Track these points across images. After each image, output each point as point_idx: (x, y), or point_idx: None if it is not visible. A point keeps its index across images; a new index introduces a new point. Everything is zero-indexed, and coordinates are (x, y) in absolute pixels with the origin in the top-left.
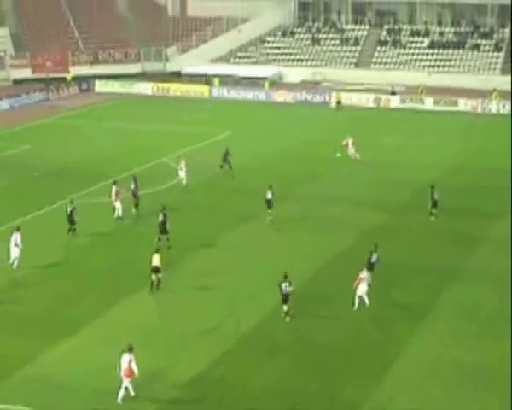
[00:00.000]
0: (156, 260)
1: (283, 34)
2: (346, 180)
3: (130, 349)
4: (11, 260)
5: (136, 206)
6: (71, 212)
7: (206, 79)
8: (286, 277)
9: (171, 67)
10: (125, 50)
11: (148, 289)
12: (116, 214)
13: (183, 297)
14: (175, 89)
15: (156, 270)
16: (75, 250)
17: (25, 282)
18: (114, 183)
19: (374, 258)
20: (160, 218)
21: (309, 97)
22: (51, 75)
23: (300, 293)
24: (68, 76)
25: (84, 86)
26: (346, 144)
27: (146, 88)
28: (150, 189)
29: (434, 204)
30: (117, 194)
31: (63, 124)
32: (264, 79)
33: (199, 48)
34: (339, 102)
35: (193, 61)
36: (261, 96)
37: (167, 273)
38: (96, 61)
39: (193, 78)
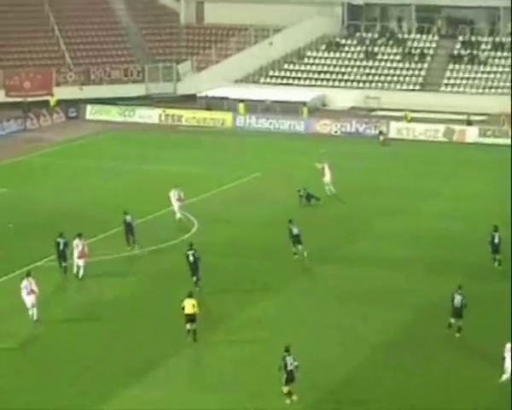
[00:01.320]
0: (189, 306)
1: (328, 47)
2: (395, 236)
3: None
4: (30, 312)
5: (134, 242)
6: (57, 244)
7: (228, 105)
8: (288, 350)
9: (184, 89)
10: (125, 68)
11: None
12: (81, 273)
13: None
14: (188, 117)
15: (191, 319)
16: (72, 310)
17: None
18: (79, 236)
19: (457, 301)
20: (191, 258)
21: (361, 129)
22: (30, 99)
23: (346, 380)
24: (52, 100)
25: (73, 113)
26: (322, 168)
27: (151, 116)
28: (154, 245)
29: (496, 249)
30: (83, 250)
31: (45, 162)
32: (302, 104)
33: (219, 65)
34: (380, 133)
35: (211, 82)
36: (299, 126)
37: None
38: (87, 81)
39: (211, 103)
